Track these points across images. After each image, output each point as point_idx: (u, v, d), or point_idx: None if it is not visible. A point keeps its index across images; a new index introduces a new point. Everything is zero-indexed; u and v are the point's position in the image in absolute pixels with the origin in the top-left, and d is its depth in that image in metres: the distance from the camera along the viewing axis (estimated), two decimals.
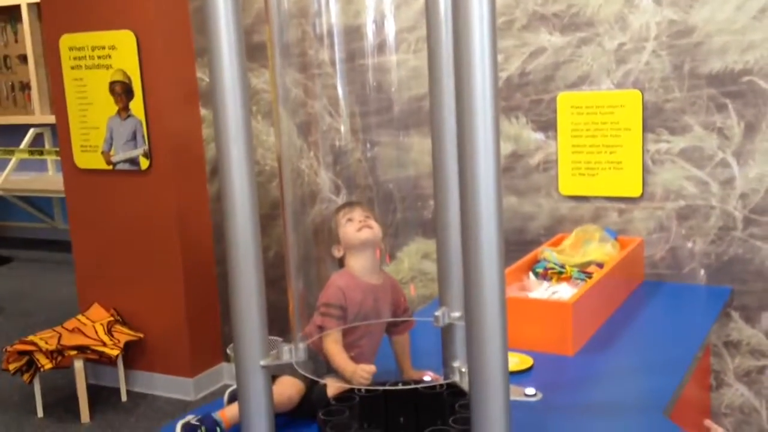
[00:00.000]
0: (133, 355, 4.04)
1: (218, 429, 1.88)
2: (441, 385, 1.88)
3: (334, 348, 1.96)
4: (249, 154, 1.73)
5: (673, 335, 2.54)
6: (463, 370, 1.65)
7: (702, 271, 3.03)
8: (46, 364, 3.72)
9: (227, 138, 1.71)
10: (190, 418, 1.92)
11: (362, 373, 1.88)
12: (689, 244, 3.04)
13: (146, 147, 3.86)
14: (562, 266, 2.77)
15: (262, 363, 1.75)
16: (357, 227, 2.03)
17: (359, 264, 2.04)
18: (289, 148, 1.97)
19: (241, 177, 1.72)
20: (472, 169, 1.50)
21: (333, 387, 1.91)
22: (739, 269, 2.97)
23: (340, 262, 2.08)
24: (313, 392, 1.92)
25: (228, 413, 1.90)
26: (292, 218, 1.92)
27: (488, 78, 1.47)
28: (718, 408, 3.10)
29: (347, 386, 1.89)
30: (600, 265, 2.77)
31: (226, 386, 2.51)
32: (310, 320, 2.05)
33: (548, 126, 3.21)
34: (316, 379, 1.90)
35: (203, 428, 1.90)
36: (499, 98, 1.51)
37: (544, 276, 2.76)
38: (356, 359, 1.99)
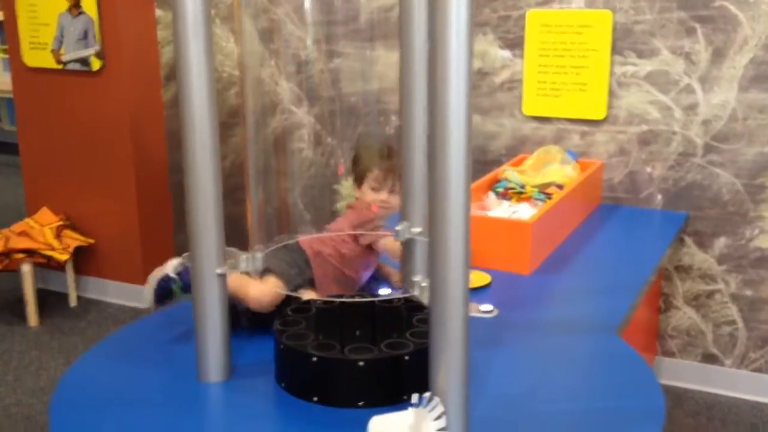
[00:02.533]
0: (83, 260, 3.97)
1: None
2: (399, 299, 1.88)
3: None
4: (209, 57, 1.65)
5: (628, 258, 2.57)
6: (424, 284, 1.63)
7: (659, 196, 3.05)
8: None
9: (186, 39, 1.63)
10: (168, 270, 1.92)
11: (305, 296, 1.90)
12: (648, 169, 3.05)
13: (98, 47, 3.70)
14: (523, 186, 2.76)
15: (218, 271, 1.71)
16: (376, 201, 2.06)
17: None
18: (251, 56, 1.88)
19: (200, 81, 1.64)
20: (443, 82, 1.45)
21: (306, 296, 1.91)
22: (696, 195, 3.00)
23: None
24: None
25: None
26: (253, 128, 1.86)
27: None
28: (665, 330, 3.17)
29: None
30: (560, 187, 2.77)
31: None
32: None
33: (515, 44, 3.15)
34: (290, 294, 1.89)
35: (179, 281, 1.92)
36: (472, 9, 1.45)
37: (504, 195, 2.75)
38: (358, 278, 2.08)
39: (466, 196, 1.50)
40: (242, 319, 1.92)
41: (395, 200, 2.06)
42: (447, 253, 1.49)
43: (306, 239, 2.02)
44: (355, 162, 2.15)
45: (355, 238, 2.05)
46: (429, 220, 1.51)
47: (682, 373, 3.12)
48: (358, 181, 2.11)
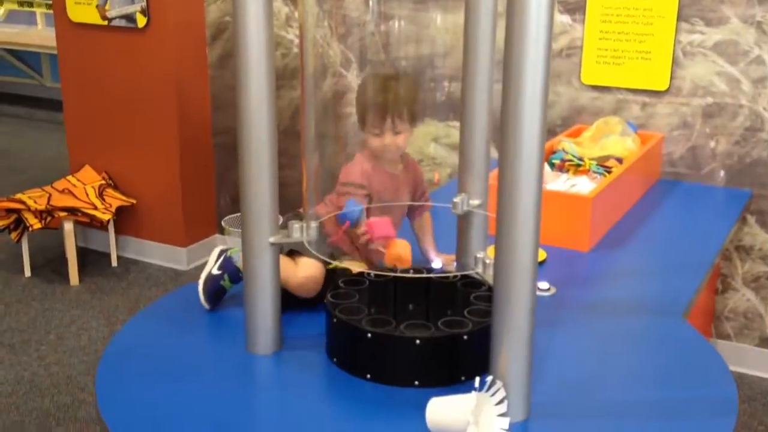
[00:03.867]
0: (124, 220, 3.94)
1: (240, 274, 1.78)
2: (455, 275, 1.80)
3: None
4: (268, 14, 1.56)
5: (690, 238, 2.45)
6: (488, 261, 1.54)
7: (722, 173, 2.92)
8: (35, 223, 3.62)
9: None
10: (211, 268, 1.84)
11: (355, 267, 1.79)
12: (712, 144, 2.92)
13: (144, 3, 3.62)
14: (581, 159, 2.64)
15: (272, 240, 1.64)
16: (384, 142, 1.87)
17: (381, 156, 1.92)
18: (311, 15, 1.78)
19: (258, 37, 1.56)
20: (520, 47, 1.35)
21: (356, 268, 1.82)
22: (761, 173, 2.86)
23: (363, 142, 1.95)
24: (333, 278, 1.81)
25: None
26: (313, 91, 1.77)
27: None
28: (722, 311, 3.06)
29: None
30: (619, 160, 2.65)
31: None
32: (322, 200, 1.93)
33: (576, 8, 3.01)
34: (330, 261, 1.79)
35: (226, 276, 1.83)
36: None
37: (561, 168, 2.64)
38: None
39: (538, 169, 1.41)
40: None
41: (401, 140, 1.88)
42: (518, 229, 1.41)
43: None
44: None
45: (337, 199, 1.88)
46: (499, 193, 1.42)
47: (738, 357, 3.01)
48: (361, 122, 1.91)
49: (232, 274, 1.82)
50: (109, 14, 3.72)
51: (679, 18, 2.85)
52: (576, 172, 2.60)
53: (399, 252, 1.78)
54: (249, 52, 1.57)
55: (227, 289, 1.85)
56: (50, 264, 3.90)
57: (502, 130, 1.38)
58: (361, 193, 1.87)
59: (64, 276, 3.72)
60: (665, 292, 2.05)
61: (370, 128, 1.88)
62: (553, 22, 2.56)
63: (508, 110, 1.38)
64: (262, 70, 1.58)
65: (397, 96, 1.90)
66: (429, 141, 3.36)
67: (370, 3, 3.32)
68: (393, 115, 1.86)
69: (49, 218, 3.66)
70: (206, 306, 1.83)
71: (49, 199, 3.71)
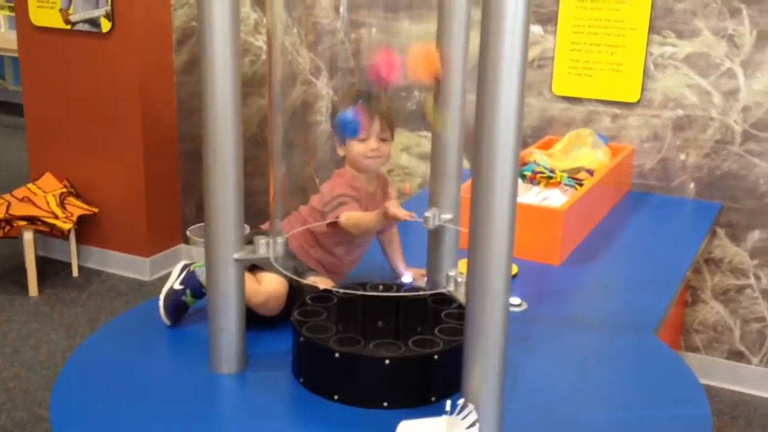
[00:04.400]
0: (86, 229, 3.84)
1: (203, 289, 1.73)
2: (426, 292, 1.75)
3: (357, 213, 1.80)
4: (235, 19, 1.51)
5: (661, 251, 2.44)
6: (460, 279, 1.50)
7: (692, 185, 2.91)
8: None
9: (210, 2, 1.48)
10: (173, 283, 1.77)
11: (320, 283, 1.75)
12: (682, 156, 2.91)
13: (108, 7, 3.54)
14: (552, 171, 2.62)
15: (236, 256, 1.58)
16: (367, 153, 1.82)
17: (360, 173, 1.88)
18: (278, 22, 1.73)
19: (224, 43, 1.50)
20: (495, 58, 1.31)
21: (322, 285, 1.77)
22: (730, 185, 2.86)
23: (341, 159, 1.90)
24: (297, 293, 1.75)
25: None
26: (280, 99, 1.72)
27: None
28: (691, 324, 3.05)
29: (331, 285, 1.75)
30: (590, 172, 2.63)
31: None
32: (286, 218, 1.88)
33: (548, 19, 2.99)
34: (297, 279, 1.73)
35: (188, 291, 1.76)
36: None
37: (532, 180, 2.61)
38: (345, 262, 1.90)
39: (513, 183, 1.37)
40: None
41: (386, 148, 1.85)
42: (490, 246, 1.36)
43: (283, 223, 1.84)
44: (333, 114, 1.90)
45: (323, 216, 1.84)
46: (471, 208, 1.38)
47: (707, 370, 3.00)
48: (340, 135, 1.85)
49: (195, 289, 1.75)
50: (73, 18, 3.63)
51: (651, 30, 2.84)
52: (547, 185, 2.57)
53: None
54: (214, 58, 1.51)
55: (189, 305, 1.78)
56: (9, 274, 3.78)
57: (476, 141, 1.34)
58: (356, 205, 1.83)
59: (23, 287, 3.62)
60: (637, 307, 2.02)
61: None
62: (529, 28, 2.51)
63: (482, 121, 1.33)
64: (227, 77, 1.52)
65: (383, 103, 1.85)
66: (399, 151, 3.32)
67: (341, 11, 3.28)
68: (380, 119, 1.82)
69: (7, 227, 3.55)
70: (167, 322, 1.76)
71: (8, 207, 3.61)
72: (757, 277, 2.91)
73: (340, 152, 1.88)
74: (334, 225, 1.82)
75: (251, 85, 3.56)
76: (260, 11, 3.48)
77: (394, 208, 1.73)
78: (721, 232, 2.92)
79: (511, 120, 1.32)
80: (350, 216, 1.79)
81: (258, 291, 1.70)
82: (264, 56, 3.50)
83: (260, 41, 3.51)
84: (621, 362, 1.80)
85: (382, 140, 1.84)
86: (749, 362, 2.99)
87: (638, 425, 1.52)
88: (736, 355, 3.01)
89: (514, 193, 1.38)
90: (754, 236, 2.88)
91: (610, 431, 1.50)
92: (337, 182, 1.86)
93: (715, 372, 3.01)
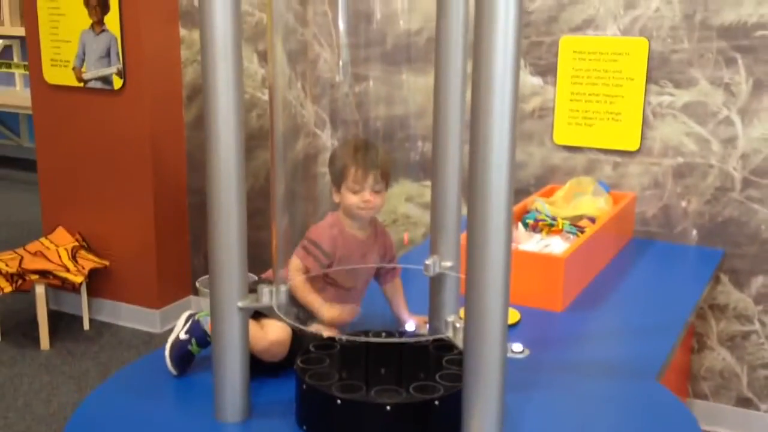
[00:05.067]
0: (97, 282, 3.89)
1: (208, 338, 1.77)
2: (427, 339, 1.78)
3: (305, 289, 1.85)
4: (238, 78, 1.57)
5: (664, 297, 2.45)
6: (458, 325, 1.53)
7: (694, 232, 2.94)
8: (6, 286, 3.56)
9: (215, 60, 1.54)
10: (178, 332, 1.81)
11: (325, 331, 1.79)
12: (683, 203, 2.94)
13: (120, 65, 3.65)
14: (554, 219, 2.65)
15: (240, 305, 1.62)
16: (361, 203, 1.87)
17: (353, 221, 1.92)
18: (281, 77, 1.80)
19: (227, 104, 1.56)
20: (487, 111, 1.36)
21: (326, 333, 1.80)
22: (732, 231, 2.89)
23: (335, 204, 1.94)
24: (300, 340, 1.79)
25: None
26: (281, 152, 1.77)
27: (512, 11, 1.33)
28: (698, 371, 3.04)
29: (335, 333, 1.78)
30: (592, 220, 2.67)
31: None
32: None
33: (547, 71, 3.06)
34: (300, 327, 1.76)
35: (194, 340, 1.80)
36: (521, 34, 1.36)
37: (534, 227, 2.65)
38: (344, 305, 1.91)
39: (507, 233, 1.41)
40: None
41: (379, 200, 1.88)
42: (486, 293, 1.40)
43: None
44: (331, 162, 1.95)
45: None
46: (467, 257, 1.41)
47: (715, 417, 2.99)
48: (336, 183, 1.90)
49: (200, 338, 1.79)
50: (85, 76, 3.73)
51: (649, 80, 2.90)
52: (549, 232, 2.61)
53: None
54: (218, 114, 1.56)
55: (195, 354, 1.81)
56: (21, 327, 3.83)
57: (470, 191, 1.39)
58: (323, 260, 1.87)
59: (35, 340, 3.66)
60: (639, 353, 2.04)
61: (350, 184, 1.87)
62: (520, 83, 2.58)
63: (476, 172, 1.38)
64: (231, 132, 1.57)
65: (379, 156, 1.91)
66: (403, 200, 3.37)
67: (343, 65, 3.36)
68: (375, 172, 1.87)
69: (20, 281, 3.60)
70: (173, 372, 1.80)
71: (20, 261, 3.67)
72: (762, 323, 2.92)
73: (336, 198, 1.93)
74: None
75: (258, 138, 3.64)
76: (267, 67, 3.57)
77: (329, 314, 1.81)
78: (724, 278, 2.94)
79: (503, 170, 1.37)
80: (298, 282, 1.83)
81: (261, 338, 1.73)
82: None
83: (267, 96, 3.59)
84: (623, 408, 1.81)
85: (376, 192, 1.88)
86: (758, 409, 2.98)
87: None
88: (744, 402, 3.00)
89: (509, 242, 1.42)
90: (758, 282, 2.89)
91: None
92: (322, 226, 1.90)
93: (723, 419, 3.00)
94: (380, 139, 3.27)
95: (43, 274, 3.62)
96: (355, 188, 1.86)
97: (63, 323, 3.89)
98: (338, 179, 1.89)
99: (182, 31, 3.78)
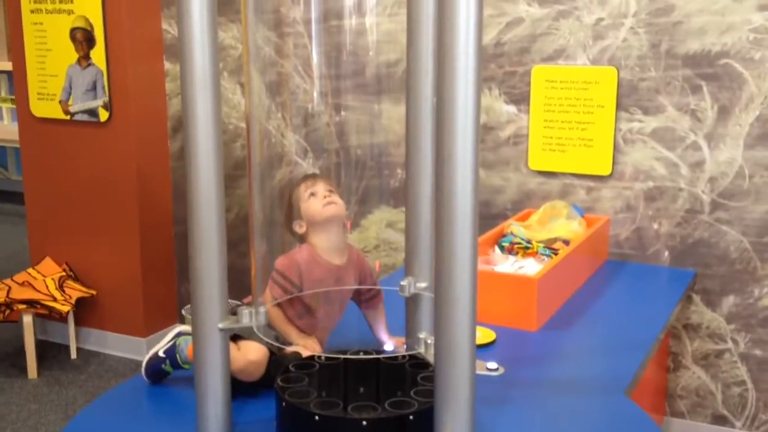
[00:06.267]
0: (84, 312, 3.94)
1: (183, 364, 1.88)
2: (403, 356, 1.84)
3: (279, 318, 1.94)
4: (216, 110, 1.64)
5: (636, 316, 2.53)
6: (429, 341, 1.60)
7: (666, 253, 3.03)
8: None
9: (194, 92, 1.62)
10: (159, 348, 1.91)
11: (304, 351, 1.86)
12: (655, 226, 3.03)
13: (106, 98, 3.73)
14: (529, 241, 2.74)
15: (221, 326, 1.68)
16: (321, 203, 1.94)
17: (323, 241, 1.97)
18: (258, 108, 1.88)
19: (206, 134, 1.63)
20: (450, 139, 1.45)
21: (304, 351, 1.87)
22: (703, 252, 2.97)
23: (302, 239, 2.00)
24: (277, 360, 1.85)
25: None
26: (258, 180, 1.85)
27: (471, 45, 1.42)
28: (674, 390, 3.12)
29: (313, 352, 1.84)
30: (566, 242, 2.75)
31: None
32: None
33: (521, 99, 3.16)
34: (280, 346, 1.83)
35: (167, 361, 1.90)
36: (481, 66, 1.45)
37: (510, 250, 2.73)
38: (310, 334, 1.98)
39: (473, 252, 1.49)
40: None
41: (336, 198, 1.95)
42: (454, 310, 1.47)
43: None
44: (287, 201, 2.02)
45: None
46: (435, 275, 1.49)
47: None
48: (296, 211, 1.96)
49: (173, 361, 1.89)
50: (72, 109, 3.81)
51: (618, 107, 3.00)
52: (524, 255, 2.69)
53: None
54: (198, 145, 1.63)
55: (168, 373, 1.91)
56: (9, 357, 3.86)
57: (436, 215, 1.46)
58: (290, 289, 1.93)
59: (23, 369, 3.69)
60: (609, 370, 2.11)
61: (305, 196, 1.95)
62: (496, 112, 2.66)
63: (441, 196, 1.46)
64: (210, 161, 1.64)
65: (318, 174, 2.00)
66: (384, 227, 3.45)
67: (322, 95, 3.46)
68: (322, 179, 1.98)
69: (8, 311, 3.65)
70: (147, 381, 1.92)
71: (8, 291, 3.71)
72: (735, 341, 3.00)
73: (300, 229, 1.98)
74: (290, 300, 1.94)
75: (243, 167, 3.72)
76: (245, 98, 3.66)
77: (302, 344, 1.90)
78: (696, 298, 3.02)
79: (467, 190, 1.45)
80: (272, 312, 1.90)
81: (239, 358, 1.80)
82: None
83: None
84: (592, 421, 1.88)
85: (332, 192, 1.96)
86: (733, 426, 3.05)
87: None
88: (720, 420, 3.07)
89: (474, 262, 1.49)
90: (729, 301, 2.97)
91: None
92: (289, 256, 1.95)
93: None
94: (360, 167, 3.36)
95: (31, 303, 3.67)
96: (311, 194, 1.94)
97: (50, 352, 3.93)
98: (296, 204, 1.97)
99: (167, 65, 3.87)
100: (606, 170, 3.05)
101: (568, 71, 3.05)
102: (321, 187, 1.96)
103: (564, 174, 3.13)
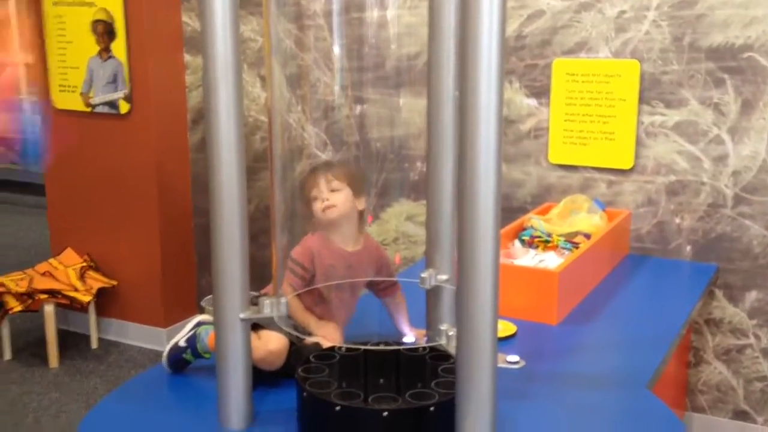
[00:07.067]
0: (105, 302, 3.97)
1: (204, 354, 1.90)
2: (424, 348, 1.84)
3: (298, 308, 1.94)
4: (238, 101, 1.65)
5: (658, 311, 2.51)
6: (450, 333, 1.60)
7: (688, 247, 3.01)
8: (16, 306, 3.64)
9: (216, 84, 1.63)
10: (180, 338, 1.93)
11: (324, 342, 1.86)
12: (677, 220, 3.01)
13: (127, 90, 3.74)
14: (549, 235, 2.72)
15: (242, 316, 1.69)
16: (321, 207, 1.96)
17: (334, 232, 2.00)
18: (279, 100, 1.88)
19: (229, 125, 1.64)
20: (473, 131, 1.44)
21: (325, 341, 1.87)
22: (725, 247, 2.95)
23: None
24: (298, 350, 1.86)
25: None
26: (280, 172, 1.85)
27: (495, 37, 1.41)
28: (695, 385, 3.10)
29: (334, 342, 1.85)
30: (587, 236, 2.73)
31: None
32: None
33: (542, 92, 3.14)
34: (300, 336, 1.84)
35: (189, 351, 1.92)
36: (505, 57, 1.44)
37: (530, 244, 2.72)
38: (329, 319, 1.99)
39: (495, 244, 1.48)
40: None
41: (340, 197, 1.96)
42: (476, 302, 1.47)
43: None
44: (299, 196, 2.05)
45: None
46: (459, 267, 1.49)
47: (713, 430, 3.04)
48: (308, 206, 1.99)
49: (194, 351, 1.91)
50: (93, 101, 3.83)
51: (641, 101, 2.98)
52: (545, 248, 2.68)
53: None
54: (220, 136, 1.64)
55: (190, 362, 1.93)
56: (30, 347, 3.90)
57: (459, 205, 1.46)
58: (299, 272, 1.94)
59: (44, 358, 3.72)
60: (631, 364, 2.10)
61: (310, 197, 1.97)
62: (516, 105, 2.65)
63: (464, 187, 1.46)
64: (232, 153, 1.65)
65: (331, 163, 1.98)
66: (404, 219, 3.45)
67: (343, 88, 3.45)
68: (326, 175, 1.97)
69: (29, 301, 3.68)
70: (168, 370, 1.93)
71: (30, 281, 3.75)
72: (757, 337, 2.97)
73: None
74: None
75: (263, 159, 3.72)
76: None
77: (321, 333, 1.91)
78: (719, 293, 2.99)
79: (490, 183, 1.44)
80: (291, 302, 1.89)
81: (259, 347, 1.80)
82: None
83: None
84: (614, 415, 1.87)
85: (333, 191, 1.96)
86: (755, 422, 3.02)
87: None
88: (741, 415, 3.04)
89: (497, 254, 1.48)
90: (752, 296, 2.95)
91: None
92: (301, 246, 1.98)
93: None
94: (379, 160, 3.36)
95: (52, 293, 3.70)
96: (313, 197, 1.96)
97: (72, 342, 3.96)
98: (307, 201, 1.99)
99: (187, 57, 3.88)
100: (628, 164, 3.03)
101: (589, 64, 3.03)
102: (323, 188, 1.96)
103: (585, 167, 3.11)
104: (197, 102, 3.88)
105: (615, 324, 2.42)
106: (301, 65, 3.54)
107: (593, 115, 3.05)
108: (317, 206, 1.97)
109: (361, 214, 2.02)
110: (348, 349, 1.81)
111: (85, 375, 3.65)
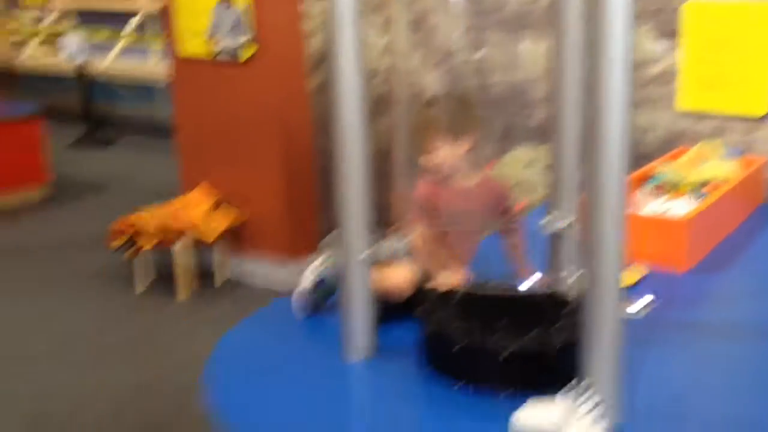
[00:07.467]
0: (233, 241, 4.11)
1: (332, 288, 1.93)
2: (544, 292, 1.83)
3: (421, 248, 1.95)
4: (359, 45, 1.66)
5: None
6: (573, 278, 1.58)
7: None
8: (147, 243, 3.82)
9: (341, 27, 1.64)
10: (307, 277, 2.00)
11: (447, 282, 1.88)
12: None
13: (249, 37, 3.82)
14: (678, 182, 2.62)
15: (366, 254, 1.73)
16: (427, 163, 1.96)
17: (447, 177, 2.00)
18: (401, 45, 1.88)
19: (352, 69, 1.66)
20: (602, 74, 1.41)
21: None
22: None
23: None
24: (422, 289, 1.89)
25: None
26: (400, 117, 1.87)
27: None
28: None
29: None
30: (719, 185, 2.62)
31: None
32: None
33: (672, 36, 3.00)
34: (425, 274, 1.87)
35: (319, 291, 1.98)
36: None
37: (659, 191, 2.63)
38: (450, 260, 1.99)
39: (622, 188, 1.45)
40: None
41: (441, 154, 1.93)
42: (603, 248, 1.44)
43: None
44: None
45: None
46: (584, 212, 1.46)
47: None
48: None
49: (325, 288, 1.95)
50: (217, 48, 3.93)
51: None
52: (674, 196, 2.58)
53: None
54: (343, 82, 1.67)
55: (324, 301, 1.96)
56: (160, 281, 4.10)
57: (586, 149, 1.43)
58: (424, 214, 1.96)
59: (173, 293, 3.91)
60: (764, 314, 2.02)
61: (427, 149, 1.96)
62: (644, 49, 2.54)
63: (591, 133, 1.42)
64: (355, 96, 1.68)
65: (437, 115, 1.96)
66: (522, 166, 3.39)
67: (462, 33, 3.40)
68: (434, 131, 1.94)
69: (160, 238, 3.85)
70: (300, 315, 1.97)
71: (160, 220, 3.92)
72: None
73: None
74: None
75: (379, 104, 3.72)
76: (387, 37, 3.65)
77: (444, 273, 1.90)
78: None
79: (619, 128, 1.40)
80: (417, 247, 1.92)
81: (386, 278, 1.85)
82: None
83: (384, 65, 3.68)
84: (748, 366, 1.80)
85: (436, 148, 1.93)
86: None
87: (756, 426, 1.54)
88: None
89: (623, 200, 1.45)
90: None
91: (726, 424, 1.53)
92: (420, 184, 2.00)
93: None
94: (499, 106, 3.31)
95: (181, 231, 3.86)
96: (428, 148, 1.95)
97: (199, 278, 4.14)
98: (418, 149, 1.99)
99: (305, 4, 3.91)
100: (762, 110, 2.87)
101: (723, 7, 2.86)
102: (426, 145, 1.95)
103: (717, 114, 2.97)
104: (316, 49, 3.91)
105: (747, 273, 2.31)
106: (420, 10, 3.50)
107: (725, 61, 2.89)
108: (433, 161, 1.96)
109: (470, 152, 1.99)
110: (468, 289, 1.82)
111: (212, 308, 3.81)
